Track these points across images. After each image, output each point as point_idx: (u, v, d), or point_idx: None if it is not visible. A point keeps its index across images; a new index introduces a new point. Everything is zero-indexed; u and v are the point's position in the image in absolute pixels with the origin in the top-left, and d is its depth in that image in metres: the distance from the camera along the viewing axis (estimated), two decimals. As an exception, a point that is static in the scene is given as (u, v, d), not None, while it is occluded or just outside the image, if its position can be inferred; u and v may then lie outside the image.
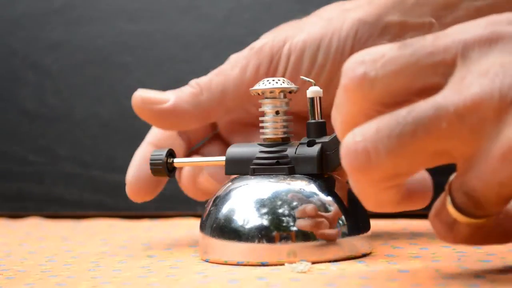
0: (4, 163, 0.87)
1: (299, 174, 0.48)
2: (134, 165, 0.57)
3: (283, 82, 0.50)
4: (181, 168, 0.58)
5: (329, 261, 0.46)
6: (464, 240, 0.37)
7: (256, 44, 0.56)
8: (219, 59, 0.83)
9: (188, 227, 0.72)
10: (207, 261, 0.50)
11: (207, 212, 0.50)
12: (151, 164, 0.54)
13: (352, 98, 0.35)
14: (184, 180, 0.57)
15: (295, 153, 0.49)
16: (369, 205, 0.37)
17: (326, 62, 0.53)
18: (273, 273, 0.44)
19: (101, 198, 0.84)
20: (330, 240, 0.46)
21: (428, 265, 0.44)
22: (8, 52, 0.88)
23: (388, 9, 0.53)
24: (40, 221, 0.81)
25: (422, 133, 0.33)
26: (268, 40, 0.55)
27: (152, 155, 0.54)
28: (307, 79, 0.51)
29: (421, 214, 0.72)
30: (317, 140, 0.49)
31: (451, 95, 0.32)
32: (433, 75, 0.34)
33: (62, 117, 0.86)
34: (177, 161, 0.55)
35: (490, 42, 0.33)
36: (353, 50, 0.52)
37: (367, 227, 0.49)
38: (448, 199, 0.35)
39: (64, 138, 0.86)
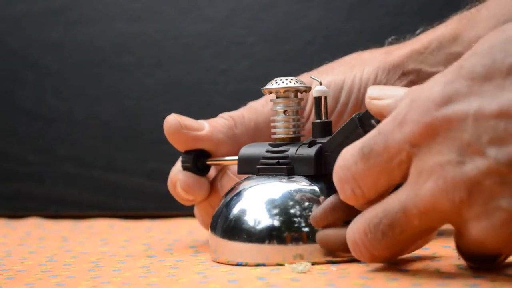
0: (4, 163, 0.87)
1: (298, 174, 0.48)
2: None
3: (296, 82, 0.50)
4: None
5: (335, 262, 0.46)
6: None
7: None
8: (219, 59, 0.83)
9: (188, 227, 0.72)
10: (215, 261, 0.50)
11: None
12: (181, 164, 0.56)
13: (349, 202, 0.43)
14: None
15: (295, 153, 0.49)
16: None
17: (349, 101, 0.57)
18: (273, 273, 0.44)
19: (101, 198, 0.84)
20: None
21: (428, 265, 0.44)
22: (8, 52, 0.88)
23: (405, 59, 0.57)
24: (40, 221, 0.81)
25: (398, 233, 0.39)
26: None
27: (182, 156, 0.56)
28: (315, 78, 0.50)
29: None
30: (319, 141, 0.48)
31: (413, 196, 0.38)
32: (398, 175, 0.39)
33: (62, 117, 0.86)
34: (211, 160, 0.56)
35: (429, 137, 0.37)
36: None
37: None
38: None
39: (64, 138, 0.86)
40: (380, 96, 0.43)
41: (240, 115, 0.57)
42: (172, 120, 0.55)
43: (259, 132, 0.57)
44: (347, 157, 0.41)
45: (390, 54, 0.58)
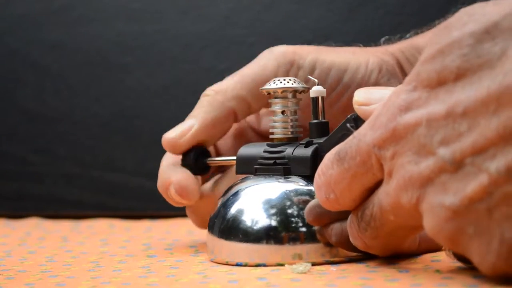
0: (4, 163, 0.87)
1: (295, 174, 0.48)
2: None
3: (294, 82, 0.50)
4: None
5: (336, 262, 0.46)
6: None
7: (277, 48, 0.57)
8: (219, 59, 0.83)
9: (188, 227, 0.72)
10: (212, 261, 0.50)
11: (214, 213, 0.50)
12: (182, 163, 0.56)
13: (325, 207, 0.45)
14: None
15: (292, 153, 0.49)
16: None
17: (351, 84, 0.57)
18: (273, 273, 0.44)
19: (101, 198, 0.84)
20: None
21: (428, 265, 0.44)
22: (8, 52, 0.88)
23: (405, 55, 0.59)
24: (40, 221, 0.81)
25: (379, 226, 0.41)
26: (290, 47, 0.57)
27: (182, 159, 0.56)
28: (312, 78, 0.51)
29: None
30: (315, 141, 0.48)
31: (384, 194, 0.40)
32: (372, 178, 0.41)
33: (62, 117, 0.86)
34: (210, 160, 0.55)
35: (394, 140, 0.39)
36: (376, 83, 0.57)
37: None
38: None
39: (64, 138, 0.86)
40: (366, 101, 0.44)
41: (224, 83, 0.57)
42: (166, 140, 0.55)
43: (245, 93, 0.56)
44: (325, 161, 0.43)
45: (392, 55, 0.59)
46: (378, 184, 0.41)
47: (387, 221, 0.41)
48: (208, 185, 0.58)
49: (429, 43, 0.39)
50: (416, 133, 0.38)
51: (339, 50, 0.59)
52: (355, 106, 0.45)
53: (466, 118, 0.36)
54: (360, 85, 0.56)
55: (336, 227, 0.45)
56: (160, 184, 0.56)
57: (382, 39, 0.62)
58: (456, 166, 0.36)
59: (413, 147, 0.38)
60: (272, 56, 0.57)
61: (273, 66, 0.56)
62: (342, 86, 0.57)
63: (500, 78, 0.35)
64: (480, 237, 0.36)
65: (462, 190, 0.36)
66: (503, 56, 0.35)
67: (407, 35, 0.61)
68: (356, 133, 0.41)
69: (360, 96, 0.44)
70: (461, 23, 0.37)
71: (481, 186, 0.35)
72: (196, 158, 0.55)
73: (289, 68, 0.56)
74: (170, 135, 0.55)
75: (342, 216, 0.45)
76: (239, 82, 0.56)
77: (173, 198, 0.55)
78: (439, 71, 0.37)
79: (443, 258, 0.46)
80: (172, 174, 0.55)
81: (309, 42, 0.75)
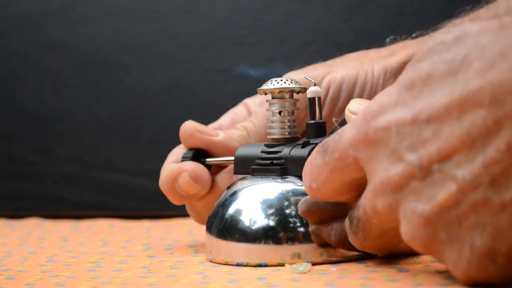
0: (4, 163, 0.87)
1: (292, 174, 0.49)
2: None
3: (291, 83, 0.50)
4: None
5: (335, 262, 0.46)
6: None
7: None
8: (219, 59, 0.83)
9: (188, 227, 0.72)
10: (211, 261, 0.50)
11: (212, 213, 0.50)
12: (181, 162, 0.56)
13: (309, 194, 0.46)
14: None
15: (289, 154, 0.49)
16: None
17: (362, 95, 0.58)
18: (273, 273, 0.44)
19: (101, 198, 0.84)
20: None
21: (428, 265, 0.44)
22: (8, 52, 0.88)
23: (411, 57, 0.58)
24: (40, 221, 0.81)
25: (368, 229, 0.42)
26: (303, 72, 0.59)
27: (183, 154, 0.56)
28: (309, 78, 0.51)
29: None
30: (312, 141, 0.49)
31: (364, 199, 0.40)
32: (349, 175, 0.42)
33: (62, 117, 0.86)
34: (209, 159, 0.56)
35: (366, 143, 0.39)
36: (384, 87, 0.57)
37: None
38: None
39: (64, 138, 0.86)
40: (357, 111, 0.45)
41: (252, 125, 0.58)
42: (188, 125, 0.57)
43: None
44: (314, 150, 0.44)
45: (395, 54, 0.60)
46: (361, 182, 0.41)
47: (372, 224, 0.41)
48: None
49: (416, 50, 0.40)
50: (387, 138, 0.38)
51: (348, 61, 0.60)
52: (346, 112, 0.46)
53: (430, 124, 0.36)
54: (370, 96, 0.58)
55: (336, 227, 0.46)
56: (167, 177, 0.56)
57: (388, 39, 0.62)
58: (424, 173, 0.36)
59: (384, 153, 0.38)
60: None
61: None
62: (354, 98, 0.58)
63: (462, 85, 0.35)
64: (452, 244, 0.36)
65: (433, 197, 0.36)
66: (465, 63, 0.36)
67: (414, 35, 0.61)
68: (340, 130, 0.42)
69: (353, 106, 0.45)
70: (442, 33, 0.38)
71: (449, 194, 0.35)
72: (195, 158, 0.55)
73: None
74: (194, 124, 0.56)
75: (335, 213, 0.45)
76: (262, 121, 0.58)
77: (183, 188, 0.55)
78: (411, 77, 0.38)
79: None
80: (185, 164, 0.56)
81: (309, 42, 0.75)
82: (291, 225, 0.46)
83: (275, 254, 0.46)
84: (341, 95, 0.58)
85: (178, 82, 0.84)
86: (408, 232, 0.37)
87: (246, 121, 0.59)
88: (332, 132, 0.47)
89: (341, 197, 0.43)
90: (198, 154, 0.56)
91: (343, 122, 0.46)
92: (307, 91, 0.50)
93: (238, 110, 0.61)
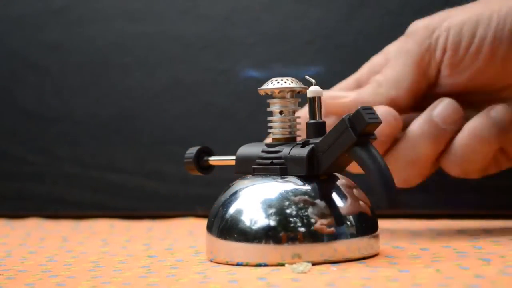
0: (4, 163, 0.87)
1: (291, 174, 0.49)
2: None
3: (292, 82, 0.50)
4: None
5: (336, 262, 0.46)
6: None
7: (411, 28, 0.61)
8: (219, 59, 0.83)
9: (188, 227, 0.73)
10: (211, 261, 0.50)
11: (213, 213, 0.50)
12: (184, 161, 0.56)
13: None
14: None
15: (289, 153, 0.49)
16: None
17: (487, 35, 0.57)
18: (273, 273, 0.44)
19: (101, 198, 0.84)
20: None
21: (429, 265, 0.44)
22: (8, 52, 0.88)
23: None
24: (40, 221, 0.81)
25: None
26: (424, 22, 0.60)
27: (186, 152, 0.56)
28: (310, 78, 0.51)
29: (422, 215, 0.72)
30: (312, 141, 0.49)
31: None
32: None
33: (62, 117, 0.86)
34: (212, 159, 0.55)
35: None
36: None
37: (373, 228, 0.49)
38: None
39: (64, 138, 0.86)
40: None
41: (383, 78, 0.60)
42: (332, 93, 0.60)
43: (401, 83, 0.59)
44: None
45: None
46: None
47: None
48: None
49: None
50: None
51: (471, 5, 0.60)
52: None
53: None
54: (496, 33, 0.57)
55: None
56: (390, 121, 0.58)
57: None
58: None
59: None
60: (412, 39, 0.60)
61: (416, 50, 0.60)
62: (478, 39, 0.57)
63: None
64: None
65: None
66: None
67: None
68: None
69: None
70: None
71: None
72: (198, 157, 0.55)
73: (430, 41, 0.59)
74: (326, 93, 0.58)
75: None
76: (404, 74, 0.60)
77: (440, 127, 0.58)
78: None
79: (443, 258, 0.46)
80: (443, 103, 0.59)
81: (309, 42, 0.75)
82: (291, 225, 0.46)
83: (275, 254, 0.46)
84: (464, 36, 0.57)
85: (178, 82, 0.84)
86: None
87: (379, 74, 0.60)
88: (334, 130, 0.47)
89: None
90: (201, 154, 0.56)
91: (352, 118, 0.46)
92: (307, 91, 0.50)
93: (376, 60, 0.62)
